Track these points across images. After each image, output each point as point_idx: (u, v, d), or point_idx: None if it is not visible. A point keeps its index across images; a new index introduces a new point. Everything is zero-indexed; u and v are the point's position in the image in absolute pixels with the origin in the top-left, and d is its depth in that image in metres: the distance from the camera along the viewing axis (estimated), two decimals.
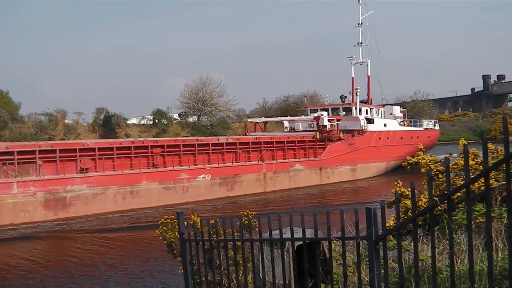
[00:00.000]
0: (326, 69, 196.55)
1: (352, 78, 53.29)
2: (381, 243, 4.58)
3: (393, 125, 48.81)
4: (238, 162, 36.97)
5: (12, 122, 61.02)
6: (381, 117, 50.05)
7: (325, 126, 42.27)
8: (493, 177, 8.34)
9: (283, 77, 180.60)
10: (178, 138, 38.74)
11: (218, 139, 37.47)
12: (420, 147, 12.22)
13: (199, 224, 7.29)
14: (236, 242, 6.51)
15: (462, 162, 5.91)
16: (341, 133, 44.04)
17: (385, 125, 47.65)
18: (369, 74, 52.56)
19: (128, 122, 69.97)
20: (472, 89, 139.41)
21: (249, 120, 52.36)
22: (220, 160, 36.54)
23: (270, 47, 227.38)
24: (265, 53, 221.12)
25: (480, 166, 8.68)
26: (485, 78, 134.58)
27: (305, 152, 41.46)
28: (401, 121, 52.13)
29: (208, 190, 34.92)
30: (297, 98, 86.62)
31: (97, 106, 70.56)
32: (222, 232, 6.48)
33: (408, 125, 52.34)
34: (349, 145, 43.88)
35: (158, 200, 32.51)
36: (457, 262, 5.75)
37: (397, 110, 52.66)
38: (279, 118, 51.22)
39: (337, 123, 43.83)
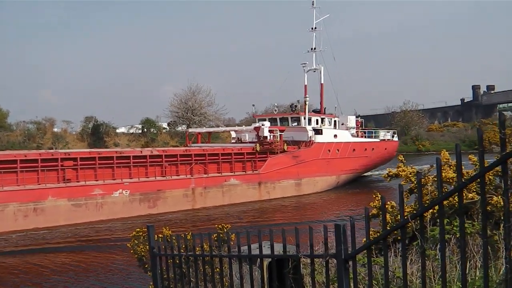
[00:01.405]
0: (315, 78, 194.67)
1: (305, 86, 50.48)
2: (351, 262, 4.49)
3: (345, 136, 45.92)
4: (162, 176, 33.95)
5: (0, 130, 61.26)
6: (334, 127, 47.17)
7: (266, 137, 39.30)
8: (474, 190, 8.22)
9: (273, 87, 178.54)
10: (93, 150, 35.61)
11: (141, 151, 34.46)
12: (401, 159, 11.27)
13: (172, 238, 7.08)
14: (207, 258, 6.38)
15: (444, 174, 5.83)
16: (286, 144, 41.13)
17: (335, 136, 44.76)
18: (322, 82, 49.75)
19: (117, 131, 69.91)
20: (462, 100, 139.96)
21: (191, 130, 49.24)
22: (143, 174, 33.55)
23: (260, 56, 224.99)
24: (256, 61, 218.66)
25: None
26: (475, 88, 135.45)
27: (243, 165, 38.50)
28: (355, 132, 49.24)
29: (126, 207, 31.94)
30: (287, 107, 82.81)
31: (86, 115, 71.20)
32: (195, 246, 6.37)
33: (362, 136, 49.40)
34: (293, 158, 40.97)
35: (67, 218, 29.62)
36: (435, 279, 5.52)
37: (352, 120, 49.78)
38: (224, 128, 48.15)
39: (280, 134, 40.89)
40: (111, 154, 32.67)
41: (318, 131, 43.56)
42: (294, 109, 46.29)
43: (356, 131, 49.71)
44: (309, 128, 43.26)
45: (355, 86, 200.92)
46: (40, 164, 29.72)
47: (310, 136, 42.91)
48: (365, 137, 49.63)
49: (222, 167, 37.23)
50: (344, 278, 4.43)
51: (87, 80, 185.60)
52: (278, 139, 40.13)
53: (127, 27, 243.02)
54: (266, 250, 5.48)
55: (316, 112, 48.95)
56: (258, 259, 5.81)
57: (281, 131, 41.41)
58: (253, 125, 42.48)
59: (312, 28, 49.89)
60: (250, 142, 43.49)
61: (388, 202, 9.53)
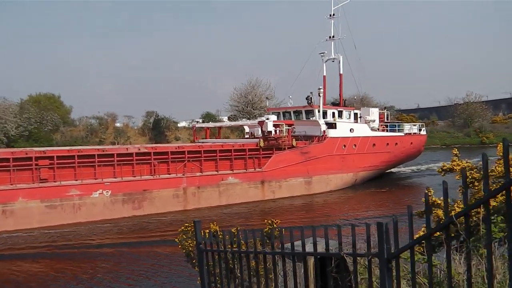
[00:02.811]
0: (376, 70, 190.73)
1: (324, 76, 46.89)
2: (394, 262, 4.34)
3: (363, 130, 41.97)
4: (148, 175, 31.36)
5: (63, 125, 64.21)
6: (355, 121, 43.31)
7: (270, 132, 36.07)
8: None
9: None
10: (74, 148, 33.24)
11: (127, 149, 31.93)
12: (455, 152, 10.64)
13: (220, 233, 7.10)
14: (251, 254, 6.30)
15: (499, 168, 5.55)
16: (294, 140, 37.76)
17: (351, 130, 40.91)
18: (341, 72, 45.94)
19: (178, 125, 71.76)
20: None
21: (198, 125, 46.44)
22: (129, 173, 31.09)
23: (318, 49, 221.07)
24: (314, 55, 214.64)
25: None
26: None
27: (245, 163, 35.41)
28: (379, 126, 45.17)
29: (107, 209, 29.62)
30: (347, 100, 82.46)
31: (147, 110, 73.98)
32: (243, 242, 6.27)
33: (383, 130, 45.22)
34: (303, 154, 37.53)
35: (41, 221, 27.64)
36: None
37: (374, 113, 45.69)
38: (232, 123, 45.08)
39: (288, 129, 37.53)
40: (93, 152, 30.31)
41: (331, 125, 39.91)
42: (309, 101, 42.65)
43: (380, 125, 45.61)
44: (321, 122, 39.65)
45: (394, 77, 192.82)
46: (12, 163, 27.71)
47: (324, 131, 39.29)
48: (387, 131, 45.34)
49: (220, 164, 34.28)
50: (386, 278, 4.29)
51: (149, 76, 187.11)
52: (285, 133, 36.75)
53: (186, 26, 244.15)
54: (311, 248, 5.34)
55: (335, 104, 45.21)
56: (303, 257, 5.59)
57: (289, 125, 38.05)
58: (257, 120, 39.26)
59: (330, 15, 46.19)
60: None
61: (440, 198, 9.05)
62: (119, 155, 30.81)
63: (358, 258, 4.86)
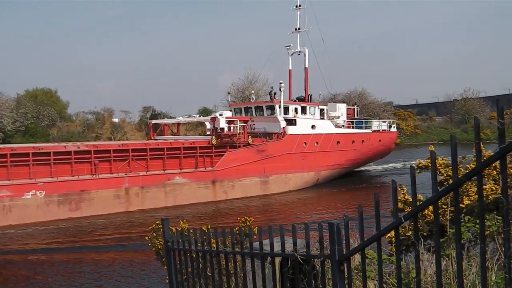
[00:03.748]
0: (375, 67, 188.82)
1: (289, 70, 45.15)
2: (346, 264, 4.23)
3: (326, 127, 40.29)
4: (87, 175, 29.87)
5: (60, 120, 64.57)
6: (320, 117, 41.63)
7: (223, 129, 34.48)
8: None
9: (331, 75, 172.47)
10: (7, 146, 31.73)
11: (65, 147, 30.37)
12: (432, 148, 7.37)
13: (187, 232, 6.85)
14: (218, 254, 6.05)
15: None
16: (250, 137, 36.22)
17: (313, 127, 39.27)
18: (306, 66, 44.25)
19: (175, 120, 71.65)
20: None
21: (154, 121, 44.80)
22: (68, 173, 29.59)
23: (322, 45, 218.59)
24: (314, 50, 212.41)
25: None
26: None
27: (196, 161, 33.90)
28: (345, 122, 43.49)
29: (41, 211, 28.15)
30: (345, 95, 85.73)
31: (144, 105, 74.78)
32: (213, 241, 6.19)
33: (349, 127, 43.52)
34: (259, 152, 35.97)
35: None
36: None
37: (341, 108, 43.98)
38: (190, 119, 43.44)
39: (244, 125, 35.96)
40: (27, 151, 28.76)
41: (291, 121, 38.28)
42: (272, 96, 40.98)
43: (346, 121, 43.93)
44: (281, 118, 38.02)
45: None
46: None
47: (283, 127, 37.69)
48: (353, 127, 43.64)
49: (168, 163, 32.75)
50: (338, 280, 4.19)
51: (145, 71, 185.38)
52: (239, 130, 35.18)
53: (184, 21, 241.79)
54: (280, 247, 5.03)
55: (300, 100, 43.52)
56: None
57: (245, 121, 36.47)
58: (211, 116, 37.70)
59: (296, 6, 44.40)
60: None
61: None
62: (56, 154, 29.31)
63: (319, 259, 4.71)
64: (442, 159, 10.06)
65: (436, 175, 3.41)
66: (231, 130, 35.17)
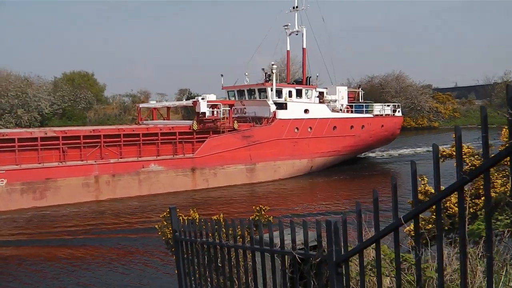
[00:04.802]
0: (409, 49, 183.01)
1: (288, 51, 42.76)
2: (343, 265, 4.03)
3: (321, 112, 37.79)
4: (53, 162, 28.44)
5: (97, 103, 65.50)
6: (318, 101, 39.20)
7: (204, 113, 32.54)
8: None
9: (369, 57, 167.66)
10: None
11: (32, 133, 28.99)
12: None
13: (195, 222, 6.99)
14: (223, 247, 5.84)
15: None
16: (236, 122, 34.20)
17: (306, 111, 36.86)
18: (304, 46, 41.72)
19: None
20: None
21: (142, 105, 43.07)
22: (34, 160, 28.24)
23: (356, 28, 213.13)
24: (352, 34, 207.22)
25: None
26: None
27: (175, 148, 32.12)
28: (343, 106, 40.87)
29: (3, 200, 26.84)
30: (382, 78, 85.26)
31: (180, 87, 75.10)
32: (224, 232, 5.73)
33: (348, 111, 40.84)
34: (244, 138, 33.94)
35: None
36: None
37: (341, 91, 41.35)
38: (179, 102, 41.56)
39: (229, 109, 33.96)
40: None
41: (281, 105, 35.99)
42: (267, 79, 38.68)
43: (347, 105, 41.31)
44: (270, 102, 35.79)
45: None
46: None
47: (273, 112, 35.48)
48: (352, 112, 40.94)
49: (143, 150, 31.08)
50: (336, 284, 3.99)
51: (182, 54, 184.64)
52: (223, 115, 33.19)
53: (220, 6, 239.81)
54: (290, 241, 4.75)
55: (298, 82, 41.13)
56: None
57: (230, 105, 34.43)
58: (192, 100, 35.75)
59: None
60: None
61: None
62: (21, 140, 27.95)
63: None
64: (468, 148, 9.45)
65: (439, 171, 3.13)
66: (215, 115, 33.20)
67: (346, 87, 42.98)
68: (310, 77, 41.45)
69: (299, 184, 35.09)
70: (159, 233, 10.85)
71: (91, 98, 63.56)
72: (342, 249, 3.99)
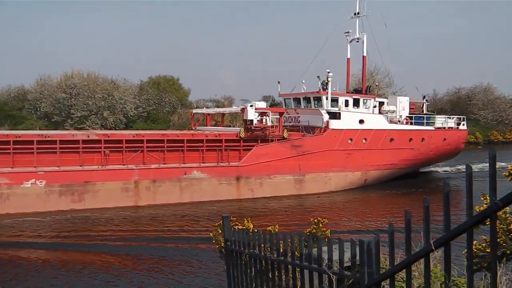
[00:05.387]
0: (499, 59, 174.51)
1: (348, 59, 40.75)
2: None
3: (378, 122, 35.60)
4: (92, 165, 28.09)
5: (181, 107, 66.10)
6: (376, 111, 37.08)
7: (251, 121, 31.33)
8: None
9: (456, 68, 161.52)
10: (11, 132, 30.56)
11: (74, 135, 28.78)
12: None
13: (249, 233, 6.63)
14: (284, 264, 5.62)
15: None
16: (286, 131, 32.81)
17: (361, 121, 34.82)
18: (364, 54, 39.62)
19: None
20: None
21: (195, 111, 42.22)
22: (75, 162, 28.02)
23: (443, 36, 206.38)
24: (437, 42, 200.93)
25: None
26: None
27: (221, 155, 31.08)
28: (403, 118, 38.38)
29: (42, 200, 26.81)
30: (469, 90, 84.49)
31: (264, 94, 75.66)
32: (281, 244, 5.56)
33: (407, 123, 38.26)
34: (293, 148, 32.38)
35: None
36: None
37: (402, 102, 38.89)
38: (235, 109, 40.36)
39: (279, 118, 32.60)
40: (31, 138, 27.46)
41: (334, 115, 34.16)
42: (324, 87, 36.91)
43: (407, 117, 38.79)
44: (323, 111, 34.08)
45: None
46: None
47: (326, 121, 33.75)
48: (411, 123, 38.32)
49: (187, 156, 30.20)
50: None
51: (264, 61, 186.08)
52: (271, 123, 31.85)
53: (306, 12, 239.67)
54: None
55: (357, 91, 39.13)
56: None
57: (280, 113, 33.04)
58: (241, 107, 34.57)
59: None
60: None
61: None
62: (62, 142, 27.77)
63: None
64: None
65: (472, 202, 3.12)
66: (264, 123, 31.93)
67: (407, 98, 40.41)
68: (370, 86, 39.33)
69: (350, 197, 33.11)
70: (213, 241, 10.58)
71: (175, 102, 64.39)
72: (374, 272, 3.87)
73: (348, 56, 40.72)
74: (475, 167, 43.43)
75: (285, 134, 32.52)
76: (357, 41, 40.01)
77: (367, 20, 41.34)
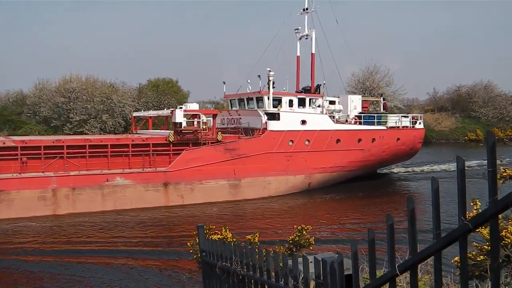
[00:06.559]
0: (499, 57, 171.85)
1: (298, 57, 39.31)
2: None
3: (322, 123, 34.03)
4: (6, 174, 27.03)
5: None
6: (321, 110, 35.52)
7: (180, 123, 30.06)
8: None
9: (456, 66, 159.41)
10: None
11: None
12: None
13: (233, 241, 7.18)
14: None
15: None
16: (220, 133, 31.48)
17: (303, 122, 33.31)
18: (313, 51, 38.10)
19: None
20: None
21: (135, 113, 40.94)
22: None
23: (443, 35, 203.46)
24: (439, 40, 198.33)
25: None
26: None
27: (149, 160, 29.87)
28: (351, 118, 36.76)
29: None
30: (469, 88, 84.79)
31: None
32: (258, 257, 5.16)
33: (356, 123, 36.60)
34: (227, 151, 31.03)
35: None
36: None
37: (354, 101, 37.26)
38: (161, 112, 39.03)
39: (213, 120, 31.29)
40: None
41: (273, 116, 32.71)
42: (273, 86, 35.29)
43: (357, 116, 37.13)
44: (262, 112, 32.67)
45: None
46: None
47: (265, 122, 32.35)
48: (360, 123, 36.62)
49: (111, 162, 29.02)
50: None
51: (270, 60, 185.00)
52: (203, 126, 30.55)
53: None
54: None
55: (306, 91, 37.61)
56: None
57: (214, 115, 31.71)
58: (171, 109, 33.27)
59: None
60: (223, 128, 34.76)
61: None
62: None
63: None
64: None
65: (465, 206, 2.63)
66: (195, 125, 30.65)
67: (360, 96, 38.79)
68: (320, 85, 37.75)
69: (291, 202, 31.66)
70: (191, 251, 10.13)
71: (174, 105, 62.13)
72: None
73: (298, 54, 39.27)
74: (470, 163, 41.59)
75: (219, 137, 31.22)
76: (306, 38, 38.53)
77: (317, 17, 39.71)
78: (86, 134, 50.50)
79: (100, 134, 51.10)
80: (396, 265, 2.93)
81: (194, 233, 10.45)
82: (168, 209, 29.37)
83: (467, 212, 2.74)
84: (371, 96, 58.24)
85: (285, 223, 26.05)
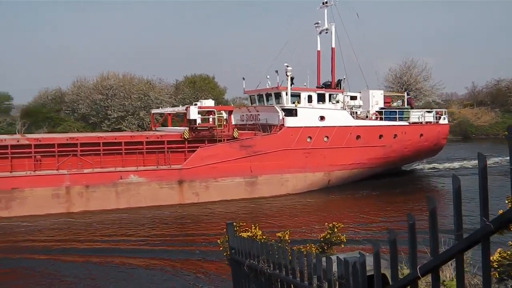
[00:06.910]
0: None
1: (318, 51, 38.42)
2: None
3: (341, 119, 33.07)
4: (21, 171, 27.05)
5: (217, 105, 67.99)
6: (341, 106, 34.61)
7: (195, 120, 29.62)
8: None
9: (497, 60, 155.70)
10: None
11: (4, 140, 27.80)
12: None
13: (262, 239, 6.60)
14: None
15: None
16: (236, 130, 30.95)
17: (322, 118, 32.45)
18: (333, 46, 37.13)
19: None
20: None
21: (154, 111, 40.49)
22: (6, 168, 27.08)
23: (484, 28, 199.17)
24: (478, 34, 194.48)
25: None
26: None
27: (164, 157, 29.53)
28: (372, 113, 35.68)
29: None
30: (509, 82, 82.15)
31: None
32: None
33: (377, 118, 35.48)
34: (243, 148, 30.44)
35: None
36: None
37: (376, 96, 36.18)
38: (177, 109, 38.54)
39: (228, 116, 30.76)
40: None
41: (290, 112, 31.95)
42: (292, 82, 34.60)
43: (378, 111, 36.03)
44: (279, 108, 31.97)
45: None
46: None
47: (282, 119, 31.65)
48: (381, 119, 35.45)
49: (126, 160, 28.78)
50: None
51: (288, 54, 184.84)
52: (218, 122, 30.01)
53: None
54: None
55: (327, 86, 36.73)
56: None
57: (230, 111, 31.20)
58: (186, 106, 32.80)
59: None
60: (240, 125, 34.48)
61: None
62: None
63: None
64: None
65: (487, 206, 2.52)
66: (211, 122, 30.18)
67: (382, 91, 37.65)
68: (341, 80, 36.77)
69: (313, 200, 30.80)
70: (221, 249, 9.56)
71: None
72: None
73: (318, 49, 38.41)
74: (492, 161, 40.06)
75: (235, 134, 30.66)
76: (326, 32, 37.61)
77: (337, 11, 38.78)
78: (125, 131, 50.80)
79: (138, 130, 51.15)
80: (418, 267, 2.86)
81: (225, 230, 9.80)
82: (182, 207, 28.94)
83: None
84: (410, 91, 57.06)
85: (307, 221, 25.41)
